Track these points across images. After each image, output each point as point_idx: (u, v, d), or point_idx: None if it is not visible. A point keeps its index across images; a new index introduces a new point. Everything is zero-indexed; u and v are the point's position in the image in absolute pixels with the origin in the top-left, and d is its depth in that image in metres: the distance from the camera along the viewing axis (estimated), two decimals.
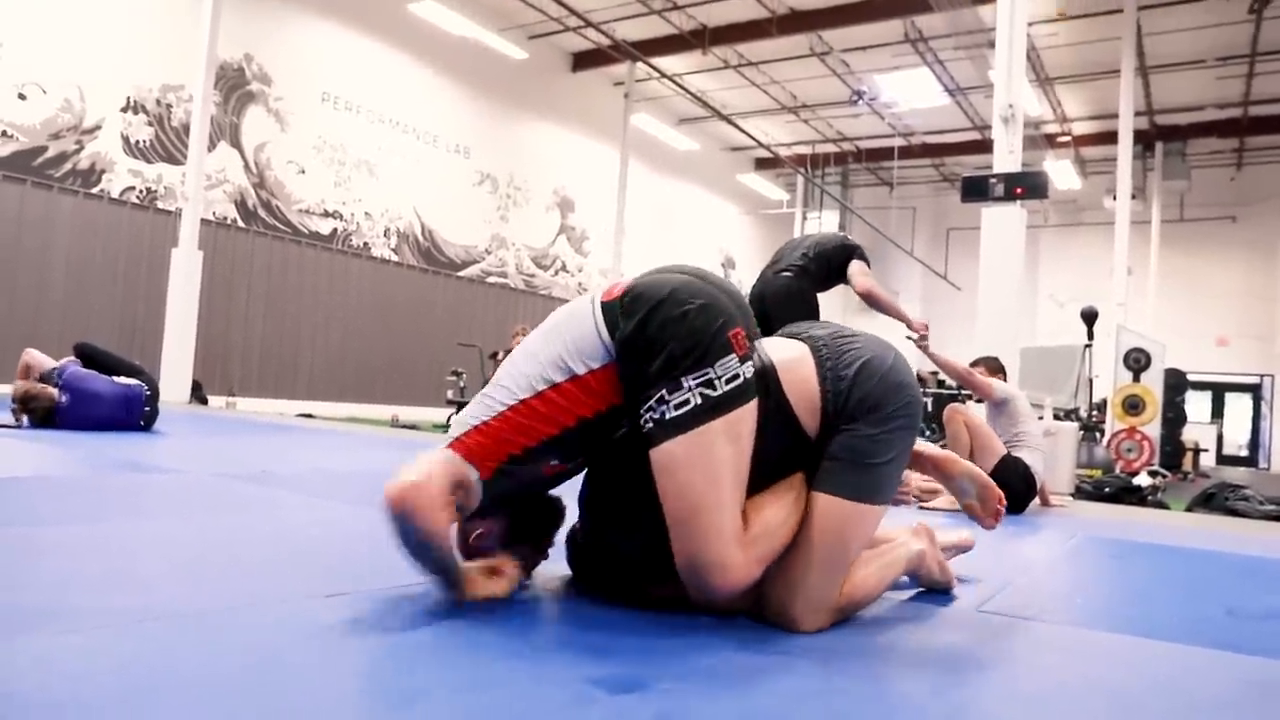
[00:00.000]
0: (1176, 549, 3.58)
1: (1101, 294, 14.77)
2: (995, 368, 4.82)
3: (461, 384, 11.24)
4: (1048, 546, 3.47)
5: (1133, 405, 8.03)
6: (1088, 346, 8.51)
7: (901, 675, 1.55)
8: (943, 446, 4.68)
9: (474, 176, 15.30)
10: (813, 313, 4.78)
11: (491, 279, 15.60)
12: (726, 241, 21.86)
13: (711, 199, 21.28)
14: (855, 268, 4.79)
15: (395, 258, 13.88)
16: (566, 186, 17.22)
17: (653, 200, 18.81)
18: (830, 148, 20.69)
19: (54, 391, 4.91)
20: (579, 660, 1.44)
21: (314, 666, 1.32)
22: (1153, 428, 8.09)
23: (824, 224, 21.64)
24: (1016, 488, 4.39)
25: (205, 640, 1.40)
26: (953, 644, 1.80)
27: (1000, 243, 6.25)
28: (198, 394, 9.94)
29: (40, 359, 5.21)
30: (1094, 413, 8.96)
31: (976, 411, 4.65)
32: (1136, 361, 8.38)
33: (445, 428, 8.27)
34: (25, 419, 4.82)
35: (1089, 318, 8.61)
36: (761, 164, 21.89)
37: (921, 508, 4.51)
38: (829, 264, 4.82)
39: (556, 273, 17.16)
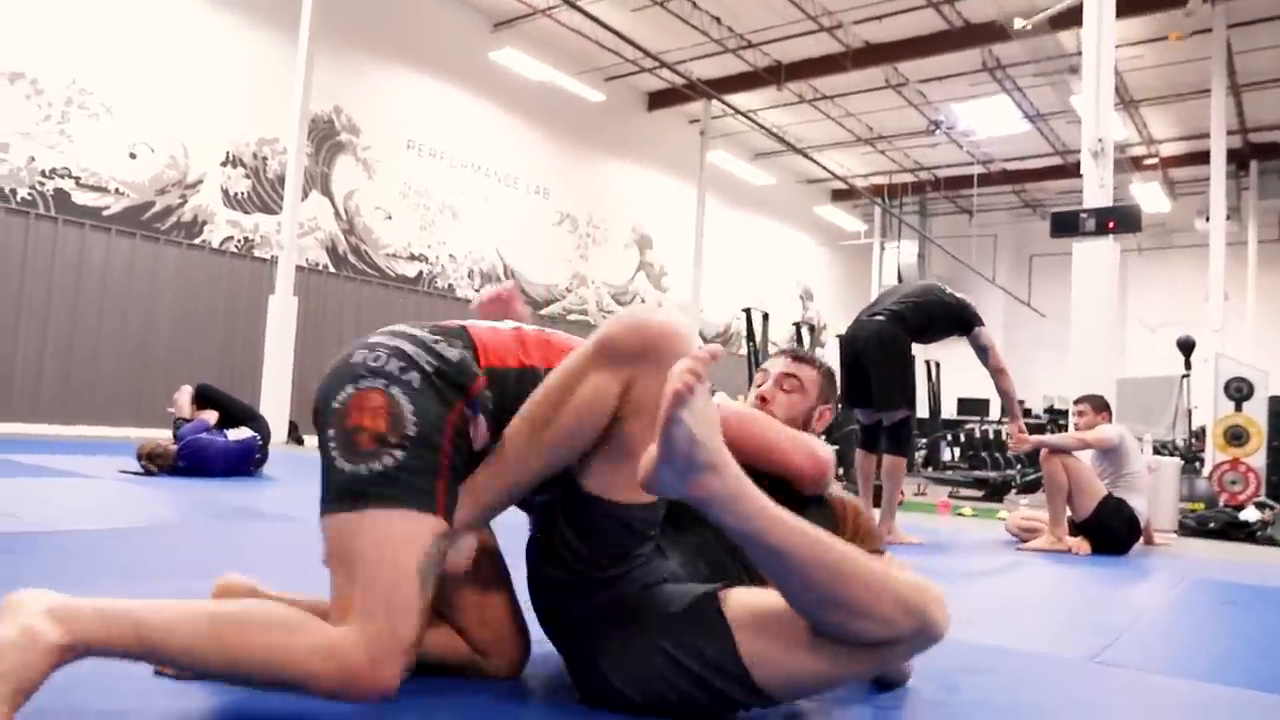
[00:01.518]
0: None
1: (1195, 319, 14.29)
2: (1100, 406, 4.68)
3: None
4: (1156, 591, 3.39)
5: (1236, 436, 7.76)
6: (1185, 376, 8.26)
7: None
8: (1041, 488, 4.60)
9: (554, 216, 15.57)
10: (907, 364, 4.64)
11: (572, 316, 15.81)
12: (804, 273, 21.77)
13: (788, 231, 21.25)
14: (988, 338, 4.60)
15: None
16: (644, 223, 17.39)
17: (729, 234, 18.87)
18: (907, 177, 20.51)
19: (171, 451, 5.31)
20: None
21: None
22: (1257, 459, 7.81)
23: (902, 253, 21.42)
24: (1119, 531, 4.30)
25: None
26: (1076, 698, 1.79)
27: (1092, 276, 6.14)
28: (294, 434, 10.27)
29: (184, 403, 5.60)
30: (1193, 442, 8.67)
31: (1080, 454, 4.53)
32: (1239, 391, 8.10)
33: None
34: (152, 470, 5.25)
35: (1186, 347, 8.36)
36: (838, 195, 21.79)
37: (1020, 548, 4.43)
38: (929, 317, 4.61)
39: None
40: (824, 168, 15.73)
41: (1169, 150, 17.83)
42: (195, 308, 10.53)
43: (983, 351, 4.63)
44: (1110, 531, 4.25)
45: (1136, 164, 17.67)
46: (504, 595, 1.59)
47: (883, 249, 22.13)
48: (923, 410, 14.19)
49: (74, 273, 9.40)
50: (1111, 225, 6.05)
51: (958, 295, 4.70)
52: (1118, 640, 2.36)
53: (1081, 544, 4.26)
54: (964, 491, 8.99)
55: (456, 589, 1.54)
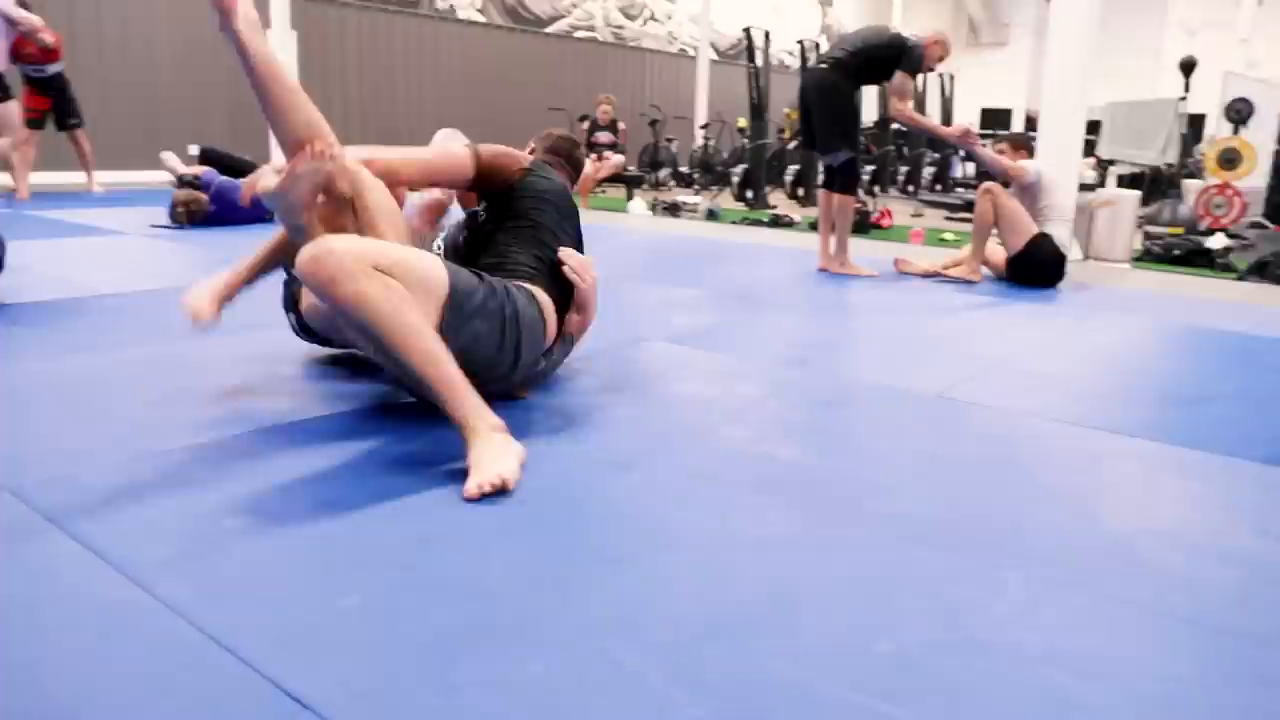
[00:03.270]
0: (1189, 328, 3.84)
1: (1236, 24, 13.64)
2: (1019, 144, 4.89)
3: None
4: (1053, 329, 3.77)
5: (1228, 160, 7.81)
6: (1182, 99, 8.18)
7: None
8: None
9: None
10: (845, 109, 4.84)
11: (580, 33, 15.39)
12: None
13: None
14: (896, 82, 4.71)
15: (481, 19, 13.81)
16: None
17: None
18: None
19: (205, 199, 5.71)
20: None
21: None
22: (1252, 182, 7.89)
23: None
24: (1045, 263, 4.62)
25: None
26: (901, 424, 2.24)
27: None
28: None
29: (174, 163, 5.92)
30: (1180, 167, 8.71)
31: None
32: (1238, 113, 8.04)
33: None
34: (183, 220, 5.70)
35: (1186, 68, 8.22)
36: None
37: (932, 273, 4.85)
38: (872, 62, 4.76)
39: (645, 22, 16.75)
40: None
41: None
42: (191, 48, 10.44)
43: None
44: (1037, 264, 4.61)
45: None
46: None
47: None
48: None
49: (52, 23, 9.33)
50: None
51: (907, 38, 4.76)
52: (976, 377, 2.79)
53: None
54: (962, 215, 9.20)
55: None
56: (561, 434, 2.11)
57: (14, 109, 6.94)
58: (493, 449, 1.78)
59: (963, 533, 1.64)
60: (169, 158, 6.14)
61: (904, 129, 13.62)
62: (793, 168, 10.49)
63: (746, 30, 10.24)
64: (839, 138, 4.82)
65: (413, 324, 1.81)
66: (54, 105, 7.36)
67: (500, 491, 1.70)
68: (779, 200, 9.95)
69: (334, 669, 1.14)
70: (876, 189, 11.48)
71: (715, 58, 17.55)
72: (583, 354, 2.67)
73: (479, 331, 2.02)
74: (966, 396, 2.56)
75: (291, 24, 9.98)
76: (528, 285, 2.25)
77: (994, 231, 4.71)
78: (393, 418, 2.16)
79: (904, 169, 12.68)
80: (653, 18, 16.91)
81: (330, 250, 1.76)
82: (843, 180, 4.92)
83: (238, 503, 1.65)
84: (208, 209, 5.71)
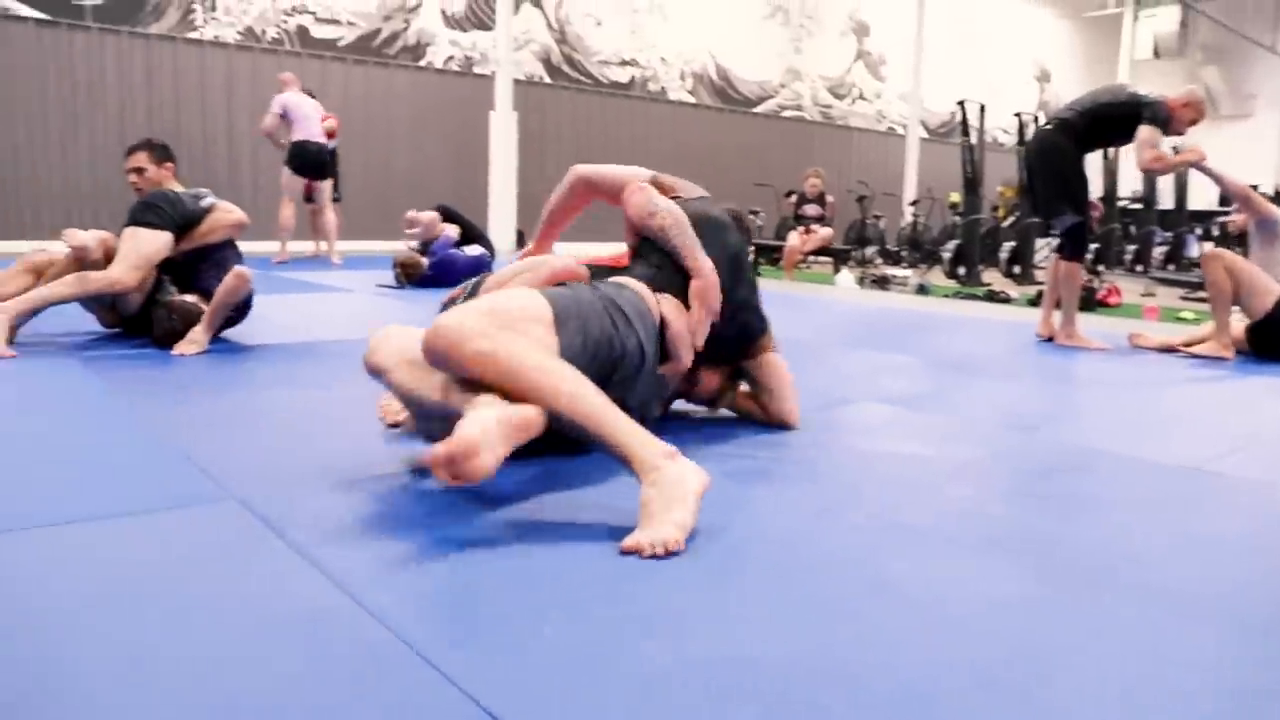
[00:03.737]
0: None
1: None
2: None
3: (759, 223, 11.55)
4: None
5: None
6: None
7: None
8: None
9: (764, 9, 15.06)
10: (1070, 172, 4.55)
11: (787, 113, 15.54)
12: (1040, 52, 19.97)
13: (1022, 6, 19.40)
14: (1143, 135, 4.30)
15: (691, 99, 14.20)
16: (860, 9, 16.47)
17: (954, 15, 17.53)
18: None
19: (424, 262, 6.18)
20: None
21: None
22: None
23: (1159, 22, 19.12)
24: None
25: None
26: (1149, 495, 1.99)
27: None
28: (521, 243, 11.07)
29: (425, 219, 6.40)
30: None
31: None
32: None
33: None
34: (404, 280, 6.19)
35: None
36: None
37: (1180, 351, 4.37)
38: (1104, 123, 4.46)
39: (854, 101, 16.72)
40: None
41: None
42: (423, 127, 11.30)
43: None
44: None
45: None
46: None
47: (1136, 19, 19.81)
48: (1167, 201, 13.15)
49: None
50: None
51: (1143, 94, 4.41)
52: (1235, 451, 2.46)
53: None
54: (1200, 295, 8.45)
55: None
56: (768, 482, 2.00)
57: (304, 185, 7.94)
58: (665, 488, 1.61)
59: (1241, 612, 1.40)
60: (418, 216, 6.59)
61: (1130, 207, 12.82)
62: (1008, 244, 10.05)
63: (961, 104, 9.98)
64: (1064, 201, 4.54)
65: (542, 364, 1.71)
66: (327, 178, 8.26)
67: (670, 554, 1.52)
68: (993, 278, 9.50)
69: (534, 691, 1.08)
70: (1101, 267, 10.79)
71: (925, 135, 17.24)
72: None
73: (590, 330, 1.91)
74: (1226, 470, 2.26)
75: (513, 105, 10.59)
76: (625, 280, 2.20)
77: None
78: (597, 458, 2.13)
79: (1131, 248, 11.88)
80: (861, 96, 16.86)
81: (437, 328, 1.72)
82: (1070, 246, 4.61)
83: (444, 527, 1.64)
84: (425, 271, 6.14)
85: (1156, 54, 19.73)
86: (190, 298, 3.54)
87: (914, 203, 13.58)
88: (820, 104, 16.11)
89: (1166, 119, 4.31)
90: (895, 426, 2.63)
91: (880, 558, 1.57)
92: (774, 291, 4.04)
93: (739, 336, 2.43)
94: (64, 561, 1.45)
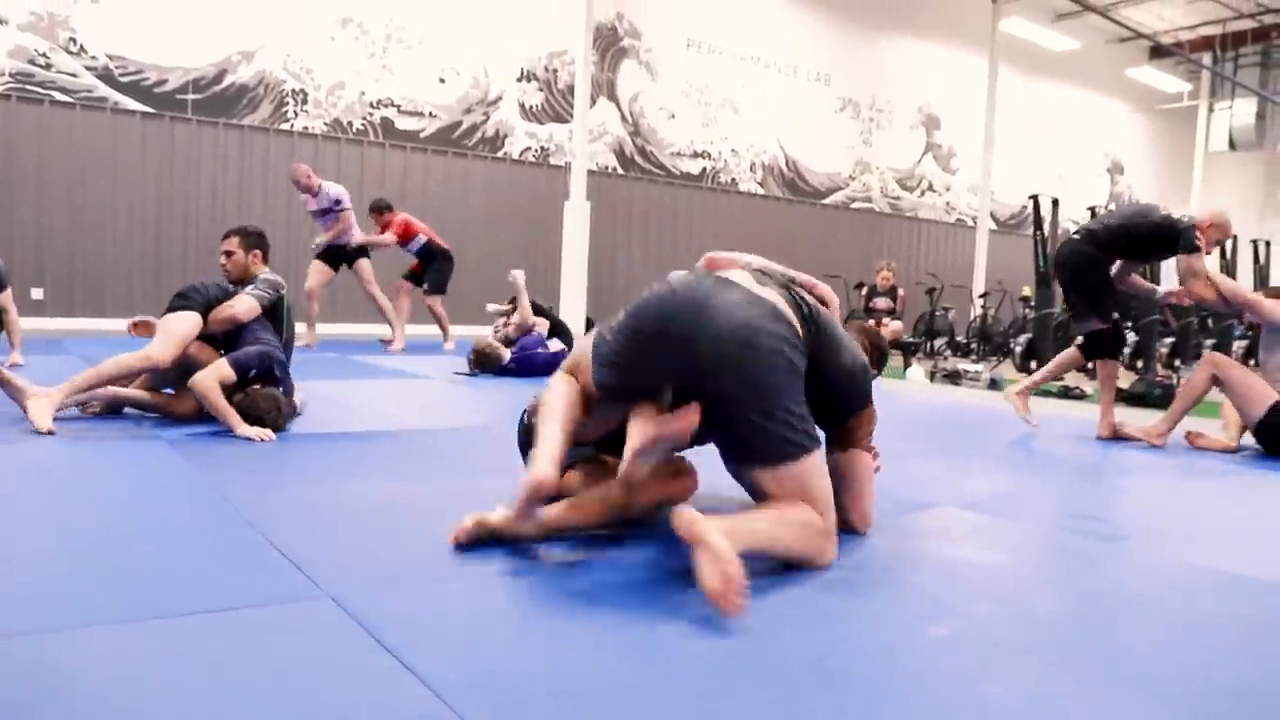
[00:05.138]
0: None
1: None
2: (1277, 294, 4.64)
3: None
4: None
5: None
6: None
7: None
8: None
9: (835, 103, 15.32)
10: (1093, 282, 4.75)
11: (856, 204, 15.64)
12: (1113, 145, 19.90)
13: (1095, 99, 19.42)
14: (1184, 266, 4.49)
15: (761, 190, 14.40)
16: (931, 103, 16.65)
17: (1026, 107, 17.62)
18: (1247, 24, 17.91)
19: (505, 354, 6.23)
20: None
21: None
22: None
23: (1236, 115, 18.94)
24: None
25: None
26: (1254, 617, 1.91)
27: None
28: (589, 329, 11.22)
29: (520, 280, 6.61)
30: None
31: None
32: None
33: None
34: (475, 369, 6.22)
35: None
36: (1156, 53, 19.50)
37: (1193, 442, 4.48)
38: (1130, 239, 4.64)
39: (923, 193, 16.78)
40: (1130, 29, 14.15)
41: None
42: (499, 216, 11.63)
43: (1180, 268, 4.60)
44: None
45: None
46: None
47: (1211, 111, 19.68)
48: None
49: (399, 191, 10.67)
50: None
51: (1174, 217, 4.56)
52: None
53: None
54: None
55: None
56: (850, 594, 1.97)
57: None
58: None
59: None
60: (519, 275, 6.69)
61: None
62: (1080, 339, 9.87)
63: (1034, 198, 9.96)
64: (1088, 308, 4.83)
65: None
66: (421, 270, 8.51)
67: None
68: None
69: None
70: (1178, 362, 10.55)
71: (994, 227, 17.18)
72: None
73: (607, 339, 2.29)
74: None
75: (586, 195, 10.86)
76: None
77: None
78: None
79: (1208, 341, 11.62)
80: (930, 188, 16.91)
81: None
82: (1089, 347, 4.92)
83: (540, 629, 1.65)
84: (502, 363, 6.22)
85: (1232, 145, 19.51)
86: (267, 389, 3.67)
87: (983, 295, 13.48)
88: (889, 195, 16.20)
89: (1194, 246, 4.46)
90: (976, 535, 2.58)
91: (967, 673, 1.54)
92: None
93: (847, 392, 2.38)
94: (164, 658, 1.48)
